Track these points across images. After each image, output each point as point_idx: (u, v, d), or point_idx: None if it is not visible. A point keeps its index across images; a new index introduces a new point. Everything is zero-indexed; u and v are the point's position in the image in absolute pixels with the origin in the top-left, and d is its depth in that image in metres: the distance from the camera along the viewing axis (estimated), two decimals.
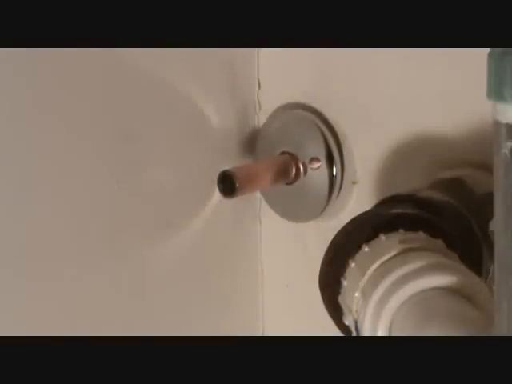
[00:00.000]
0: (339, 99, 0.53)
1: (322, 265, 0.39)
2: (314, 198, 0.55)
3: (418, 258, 0.33)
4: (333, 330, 0.38)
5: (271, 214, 0.59)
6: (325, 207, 0.54)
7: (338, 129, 0.54)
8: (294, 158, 0.55)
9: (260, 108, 0.59)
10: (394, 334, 0.32)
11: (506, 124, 0.24)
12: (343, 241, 0.38)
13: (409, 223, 0.37)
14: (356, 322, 0.35)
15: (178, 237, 0.54)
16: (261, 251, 0.61)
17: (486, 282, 0.37)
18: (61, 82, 0.44)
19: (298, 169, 0.54)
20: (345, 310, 0.36)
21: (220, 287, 0.58)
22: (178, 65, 0.52)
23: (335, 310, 0.38)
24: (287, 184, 0.55)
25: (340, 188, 0.54)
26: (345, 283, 0.37)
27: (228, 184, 0.50)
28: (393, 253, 0.35)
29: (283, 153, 0.55)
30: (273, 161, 0.55)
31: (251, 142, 0.58)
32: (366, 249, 0.36)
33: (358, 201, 0.54)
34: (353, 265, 0.36)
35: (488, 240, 0.39)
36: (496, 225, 0.25)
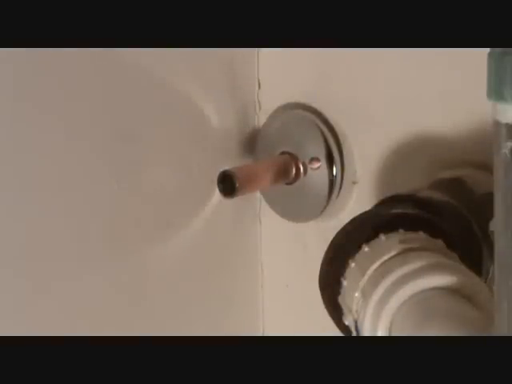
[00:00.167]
0: (339, 99, 0.53)
1: (322, 265, 0.39)
2: (313, 198, 0.55)
3: (418, 258, 0.33)
4: (333, 330, 0.38)
5: (271, 214, 0.59)
6: (325, 207, 0.54)
7: (338, 129, 0.54)
8: (293, 158, 0.55)
9: (260, 108, 0.59)
10: (393, 334, 0.32)
11: (506, 124, 0.24)
12: (343, 241, 0.38)
13: (409, 223, 0.37)
14: (356, 322, 0.35)
15: (178, 237, 0.54)
16: (261, 251, 0.61)
17: (486, 282, 0.37)
18: (61, 82, 0.44)
19: (298, 169, 0.54)
20: (345, 310, 0.36)
21: (220, 287, 0.58)
22: (178, 65, 0.52)
23: (335, 310, 0.38)
24: (287, 184, 0.55)
25: (340, 188, 0.54)
26: (345, 283, 0.37)
27: (228, 184, 0.50)
28: (393, 253, 0.35)
29: (283, 153, 0.55)
30: (273, 161, 0.55)
31: (251, 142, 0.58)
32: (365, 249, 0.36)
33: (358, 201, 0.54)
34: (353, 265, 0.36)
35: (488, 240, 0.39)
36: (496, 225, 0.25)
